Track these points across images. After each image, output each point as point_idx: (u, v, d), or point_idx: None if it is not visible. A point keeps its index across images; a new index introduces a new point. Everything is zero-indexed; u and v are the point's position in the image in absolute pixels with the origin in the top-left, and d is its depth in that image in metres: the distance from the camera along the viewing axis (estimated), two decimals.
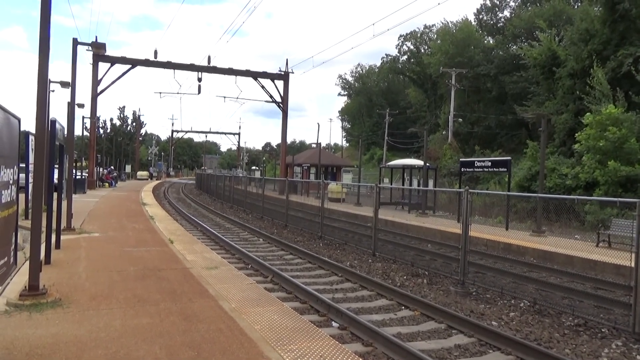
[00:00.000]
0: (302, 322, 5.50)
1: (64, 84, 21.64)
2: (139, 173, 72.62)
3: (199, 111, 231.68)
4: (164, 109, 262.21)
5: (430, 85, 57.51)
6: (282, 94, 39.84)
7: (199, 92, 41.54)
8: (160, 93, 49.56)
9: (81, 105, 29.97)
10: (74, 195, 14.67)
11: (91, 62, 34.71)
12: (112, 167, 54.40)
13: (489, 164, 20.60)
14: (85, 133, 39.83)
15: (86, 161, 38.14)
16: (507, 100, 44.02)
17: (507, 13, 53.73)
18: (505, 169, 19.75)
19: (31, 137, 12.23)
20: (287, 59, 42.57)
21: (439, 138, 47.15)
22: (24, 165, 12.42)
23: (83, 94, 44.52)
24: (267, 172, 65.23)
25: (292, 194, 24.33)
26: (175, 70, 37.55)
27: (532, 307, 8.43)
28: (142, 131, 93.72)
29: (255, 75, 39.22)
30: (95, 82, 34.93)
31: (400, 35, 66.36)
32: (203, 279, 7.37)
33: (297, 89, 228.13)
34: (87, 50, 27.92)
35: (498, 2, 54.07)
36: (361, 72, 79.25)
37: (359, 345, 6.28)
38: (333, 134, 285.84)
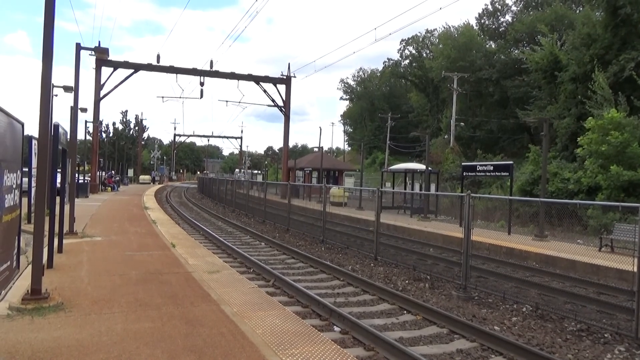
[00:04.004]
0: (304, 326, 5.50)
1: (67, 89, 21.71)
2: (141, 177, 72.57)
3: (201, 115, 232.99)
4: (167, 113, 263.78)
5: (432, 90, 57.55)
6: (284, 98, 39.92)
7: (202, 96, 41.88)
8: (162, 97, 49.41)
9: (84, 110, 30.07)
10: (76, 199, 14.71)
11: (94, 66, 34.84)
12: (113, 172, 54.41)
13: (491, 168, 20.58)
14: (88, 137, 39.92)
15: (89, 165, 38.22)
16: (509, 105, 44.00)
17: (508, 17, 53.81)
18: (507, 173, 19.74)
19: (34, 142, 12.27)
20: (289, 64, 42.73)
21: (441, 142, 47.15)
22: (26, 170, 12.47)
23: (86, 99, 44.69)
24: (269, 176, 65.28)
25: (294, 198, 24.35)
26: (178, 75, 37.69)
27: (535, 311, 8.41)
28: (145, 135, 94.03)
29: (258, 79, 39.32)
30: (98, 86, 35.04)
31: (402, 40, 66.50)
32: (205, 283, 7.38)
33: (299, 93, 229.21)
34: (90, 55, 27.98)
35: (500, 7, 54.14)
36: (363, 76, 79.39)
37: (360, 349, 6.27)
38: (335, 138, 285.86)
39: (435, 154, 42.25)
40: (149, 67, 36.55)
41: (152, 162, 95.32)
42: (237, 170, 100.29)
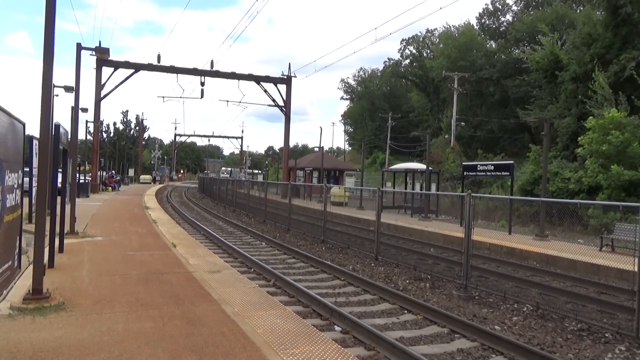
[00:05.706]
0: (305, 326, 5.50)
1: (67, 89, 21.72)
2: (142, 177, 72.54)
3: (201, 115, 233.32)
4: (167, 113, 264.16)
5: (433, 89, 57.56)
6: (284, 98, 39.91)
7: (202, 96, 41.63)
8: (163, 97, 49.41)
9: (85, 110, 30.10)
10: (77, 199, 14.70)
11: (95, 66, 34.87)
12: (114, 172, 54.39)
13: (492, 167, 20.58)
14: (89, 137, 39.94)
15: (89, 165, 38.25)
16: (509, 104, 43.99)
17: (509, 17, 53.82)
18: (508, 173, 19.74)
19: (35, 142, 12.28)
20: (289, 63, 42.47)
21: (442, 142, 47.14)
22: (27, 170, 12.48)
23: (87, 99, 44.76)
24: (270, 176, 65.30)
25: (295, 198, 24.35)
26: (178, 75, 37.68)
27: (535, 311, 8.41)
28: (145, 135, 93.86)
29: (258, 79, 39.32)
30: (99, 86, 35.06)
31: (403, 40, 66.54)
32: (206, 283, 7.38)
33: (300, 93, 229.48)
34: (90, 55, 27.85)
35: (500, 7, 54.15)
36: (364, 76, 79.43)
37: (361, 349, 6.28)
38: (335, 137, 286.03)
39: (436, 153, 42.22)
40: (149, 67, 36.57)
41: (152, 162, 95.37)
42: (222, 168, 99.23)
